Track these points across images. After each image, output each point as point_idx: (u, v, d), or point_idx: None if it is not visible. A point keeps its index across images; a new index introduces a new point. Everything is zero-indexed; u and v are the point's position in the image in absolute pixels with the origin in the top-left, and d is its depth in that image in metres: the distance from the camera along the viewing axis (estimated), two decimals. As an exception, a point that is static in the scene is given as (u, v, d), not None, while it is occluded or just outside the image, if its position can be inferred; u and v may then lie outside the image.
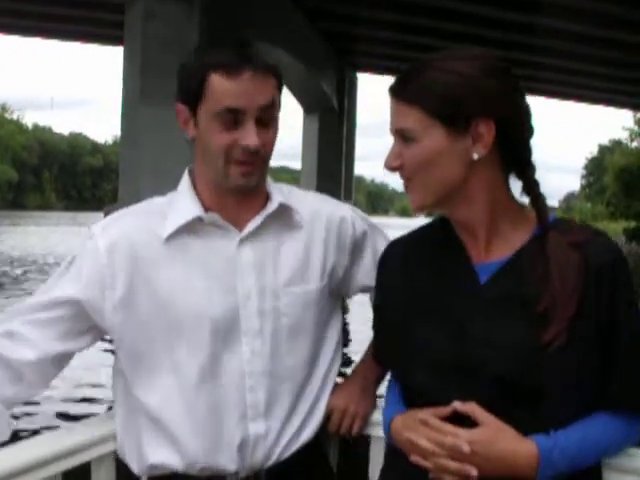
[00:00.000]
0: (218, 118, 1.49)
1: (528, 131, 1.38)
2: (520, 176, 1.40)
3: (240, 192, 1.56)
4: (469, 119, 1.31)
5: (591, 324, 1.29)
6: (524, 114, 1.37)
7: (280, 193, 1.64)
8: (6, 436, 1.56)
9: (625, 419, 1.35)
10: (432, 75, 1.33)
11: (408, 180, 1.38)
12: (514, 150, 1.37)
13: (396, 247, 1.57)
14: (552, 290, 1.29)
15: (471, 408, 1.29)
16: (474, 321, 1.35)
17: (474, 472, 1.26)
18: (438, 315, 1.40)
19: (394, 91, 1.37)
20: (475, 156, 1.32)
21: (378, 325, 1.58)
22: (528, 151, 1.39)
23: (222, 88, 1.48)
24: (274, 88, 1.54)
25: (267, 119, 1.52)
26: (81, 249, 1.58)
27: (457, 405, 1.30)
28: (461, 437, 1.27)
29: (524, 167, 1.39)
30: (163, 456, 1.55)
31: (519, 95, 1.37)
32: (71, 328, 1.58)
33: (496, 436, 1.27)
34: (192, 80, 1.51)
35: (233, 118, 1.48)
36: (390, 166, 1.38)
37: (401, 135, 1.35)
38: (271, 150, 1.56)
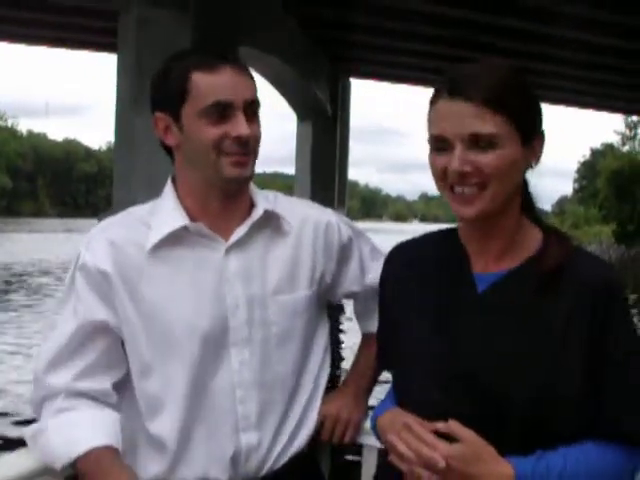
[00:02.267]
0: (206, 114, 1.49)
1: None
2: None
3: (231, 188, 1.55)
4: (534, 131, 1.34)
5: (583, 348, 1.28)
6: None
7: (265, 200, 1.63)
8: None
9: (617, 449, 1.31)
10: (512, 83, 1.31)
11: (475, 188, 1.30)
12: None
13: (401, 253, 1.55)
14: (540, 307, 1.31)
15: (451, 427, 1.28)
16: (468, 330, 1.35)
17: None
18: (435, 323, 1.40)
19: (478, 96, 1.28)
20: (533, 165, 1.36)
21: (381, 328, 1.58)
22: None
23: (207, 83, 1.49)
24: (255, 87, 1.56)
25: (251, 114, 1.53)
26: (73, 273, 1.57)
27: (439, 426, 1.29)
28: (439, 450, 1.25)
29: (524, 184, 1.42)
30: (156, 470, 1.54)
31: None
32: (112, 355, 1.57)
33: (474, 454, 1.26)
34: (172, 83, 1.52)
35: (221, 112, 1.49)
36: (463, 171, 1.29)
37: (475, 140, 1.28)
38: (258, 144, 1.56)
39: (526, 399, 1.27)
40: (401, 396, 1.47)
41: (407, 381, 1.44)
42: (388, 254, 1.58)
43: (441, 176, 1.33)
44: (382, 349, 1.58)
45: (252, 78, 1.56)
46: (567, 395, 1.27)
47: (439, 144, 1.32)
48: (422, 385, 1.38)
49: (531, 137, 1.33)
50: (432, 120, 1.33)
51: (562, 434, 1.28)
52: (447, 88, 1.30)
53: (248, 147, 1.52)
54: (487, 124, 1.27)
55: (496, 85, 1.29)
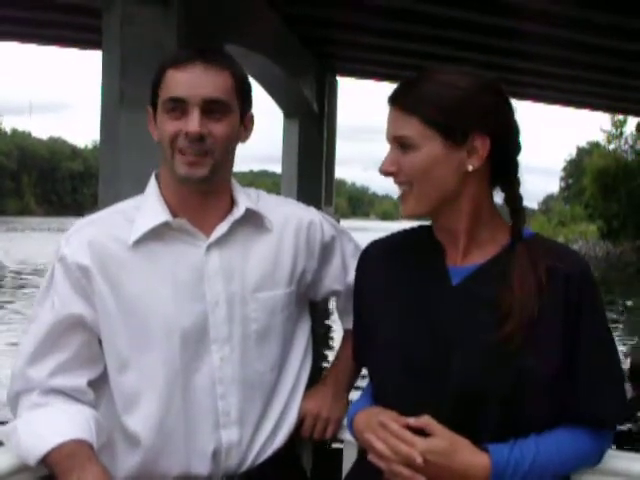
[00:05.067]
0: (164, 108, 1.51)
1: (517, 147, 1.43)
2: (505, 189, 1.44)
3: (190, 187, 1.55)
4: (466, 133, 1.35)
5: (558, 331, 1.32)
6: (515, 131, 1.42)
7: (247, 198, 1.63)
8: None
9: (588, 433, 1.36)
10: (433, 87, 1.36)
11: (405, 187, 1.40)
12: (503, 165, 1.41)
13: (376, 248, 1.58)
14: (513, 295, 1.32)
15: (425, 422, 1.31)
16: (444, 322, 1.37)
17: None
18: (411, 316, 1.42)
19: (394, 100, 1.39)
20: (470, 168, 1.36)
21: (356, 325, 1.60)
22: (515, 167, 1.43)
23: (171, 79, 1.51)
24: (228, 86, 1.53)
25: (217, 112, 1.51)
26: (53, 267, 1.56)
27: (411, 421, 1.32)
28: (416, 446, 1.28)
29: (511, 182, 1.43)
30: (132, 464, 1.54)
31: (511, 112, 1.41)
32: (89, 352, 1.57)
33: (450, 447, 1.29)
34: (154, 80, 1.54)
35: (179, 108, 1.49)
36: (386, 171, 1.40)
37: (399, 142, 1.38)
38: (223, 143, 1.54)
39: (503, 387, 1.29)
40: (379, 390, 1.49)
41: (385, 375, 1.46)
42: (363, 251, 1.61)
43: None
44: (358, 345, 1.60)
45: (227, 75, 1.53)
46: (542, 382, 1.30)
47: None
48: (400, 378, 1.40)
49: (460, 137, 1.35)
50: None
51: (535, 421, 1.33)
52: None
53: (202, 146, 1.50)
54: (402, 127, 1.37)
55: (412, 90, 1.37)
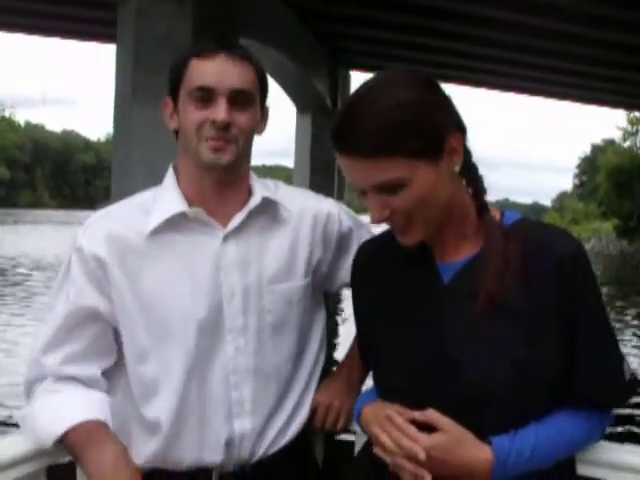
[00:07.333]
0: (191, 97, 1.52)
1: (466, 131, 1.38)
2: (466, 175, 1.39)
3: (213, 174, 1.56)
4: (441, 140, 1.29)
5: (554, 316, 1.31)
6: (460, 117, 1.37)
7: (265, 188, 1.64)
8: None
9: (587, 415, 1.37)
10: (395, 117, 1.25)
11: (407, 221, 1.32)
12: (466, 154, 1.37)
13: (367, 249, 1.56)
14: (486, 281, 1.31)
15: (429, 416, 1.31)
16: (438, 323, 1.37)
17: (428, 477, 1.28)
18: (406, 317, 1.41)
19: (359, 150, 1.26)
20: (457, 168, 1.32)
21: (357, 326, 1.60)
22: (469, 153, 1.39)
23: (197, 69, 1.52)
24: (251, 78, 1.56)
25: (241, 103, 1.54)
26: (69, 259, 1.58)
27: (416, 415, 1.32)
28: (419, 442, 1.28)
29: (470, 167, 1.39)
30: (149, 452, 1.55)
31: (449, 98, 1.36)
32: (104, 342, 1.59)
33: (454, 442, 1.29)
34: (175, 69, 1.55)
35: (205, 96, 1.51)
36: (380, 219, 1.32)
37: (383, 188, 1.28)
38: (247, 133, 1.56)
39: (505, 381, 1.29)
40: (381, 389, 1.49)
41: (384, 375, 1.46)
42: (356, 252, 1.59)
43: None
44: (361, 348, 1.61)
45: (250, 68, 1.57)
46: (543, 372, 1.30)
47: (359, 193, 1.33)
48: (401, 381, 1.40)
49: (439, 148, 1.29)
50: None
51: (536, 411, 1.33)
52: (332, 142, 1.29)
53: (228, 134, 1.52)
54: (383, 173, 1.26)
55: (373, 131, 1.25)
